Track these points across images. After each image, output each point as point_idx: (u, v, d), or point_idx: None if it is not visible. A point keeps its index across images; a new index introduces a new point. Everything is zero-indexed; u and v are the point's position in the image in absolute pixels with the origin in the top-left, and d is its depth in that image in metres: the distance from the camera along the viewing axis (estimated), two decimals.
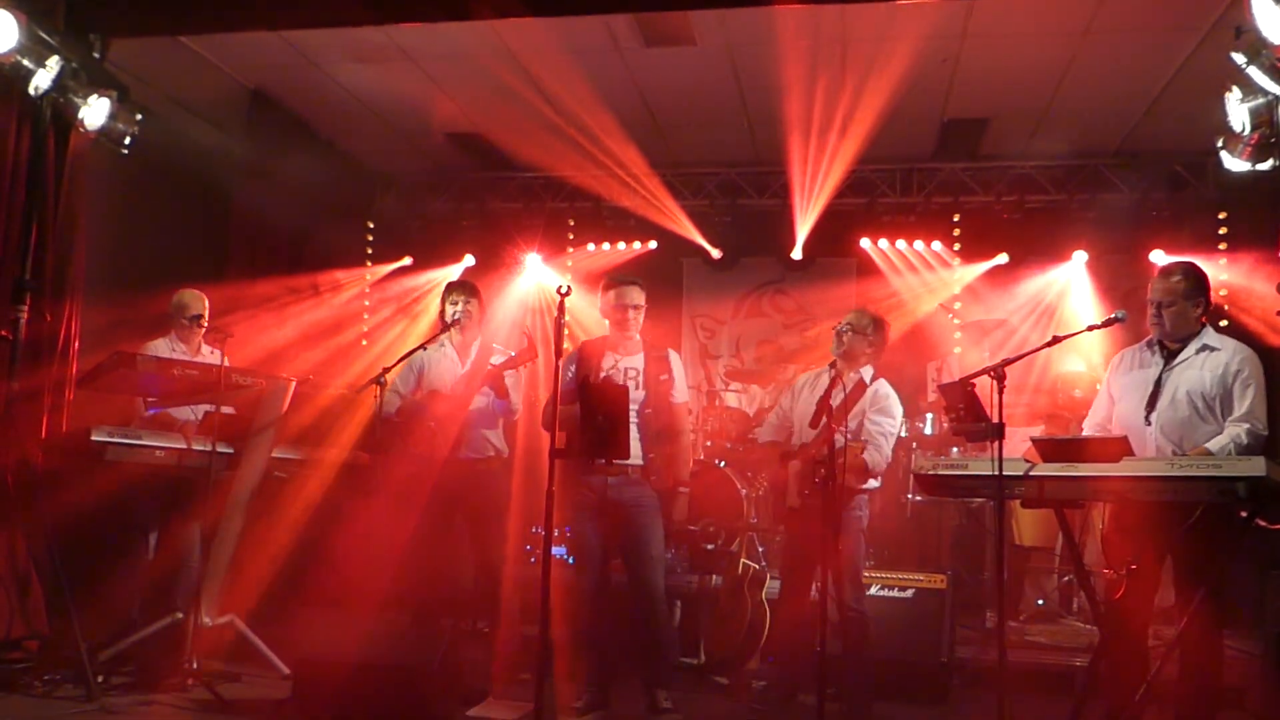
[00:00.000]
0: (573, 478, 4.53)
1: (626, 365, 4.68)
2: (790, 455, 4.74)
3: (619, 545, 4.61)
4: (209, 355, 5.46)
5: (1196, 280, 4.03)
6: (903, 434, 7.17)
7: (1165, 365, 4.03)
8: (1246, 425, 3.79)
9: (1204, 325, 4.05)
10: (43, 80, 5.00)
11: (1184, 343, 4.02)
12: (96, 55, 5.51)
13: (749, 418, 7.13)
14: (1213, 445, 3.79)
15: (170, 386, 4.95)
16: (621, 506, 4.54)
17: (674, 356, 4.78)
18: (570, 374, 4.62)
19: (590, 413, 3.82)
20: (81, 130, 5.32)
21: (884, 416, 4.60)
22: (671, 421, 4.68)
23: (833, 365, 4.83)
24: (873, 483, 4.67)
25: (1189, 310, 3.99)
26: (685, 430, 4.77)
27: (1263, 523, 4.52)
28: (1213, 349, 3.96)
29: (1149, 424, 3.97)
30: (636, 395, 4.60)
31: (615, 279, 4.77)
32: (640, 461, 4.56)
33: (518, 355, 4.96)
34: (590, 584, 4.55)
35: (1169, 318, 4.01)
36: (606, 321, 4.80)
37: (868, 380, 4.65)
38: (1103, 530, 3.99)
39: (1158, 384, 4.00)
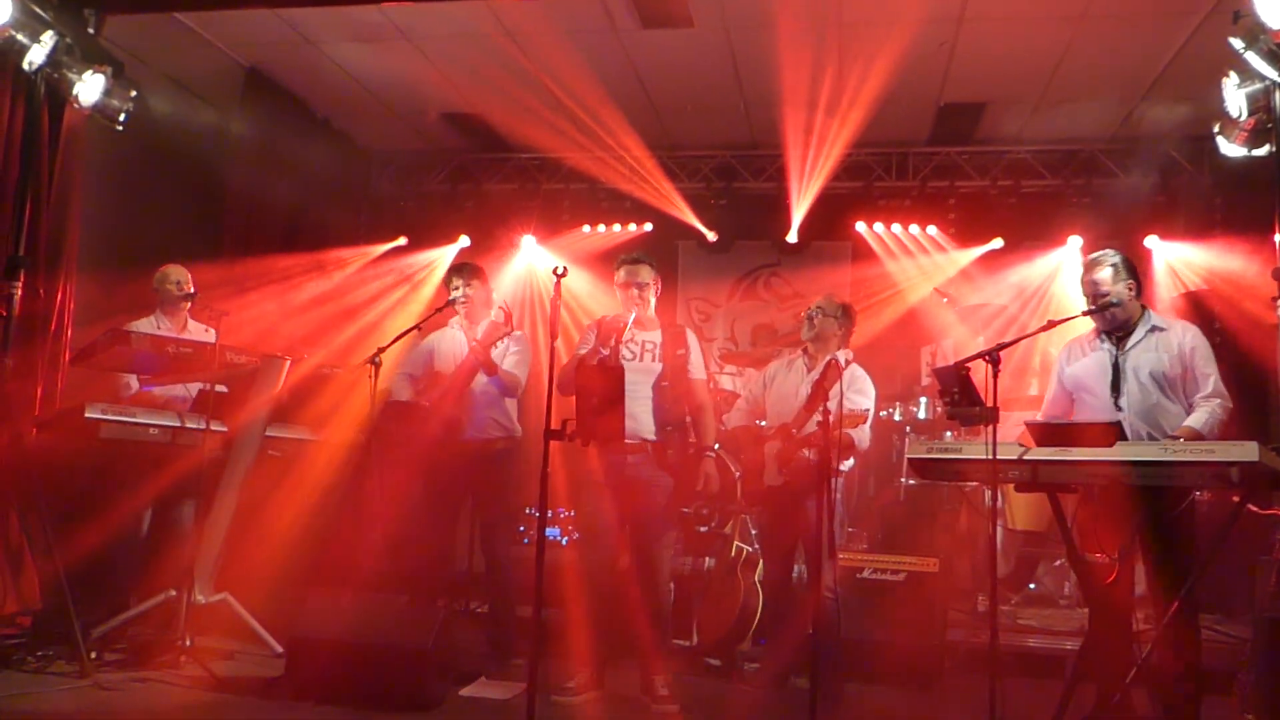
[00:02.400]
0: (587, 458, 4.55)
1: (644, 339, 4.72)
2: (767, 438, 4.83)
3: (630, 522, 4.62)
4: (194, 330, 5.45)
5: (1125, 265, 4.12)
6: (896, 418, 7.21)
7: (1119, 350, 4.09)
8: (1217, 400, 3.92)
9: (1144, 308, 4.13)
10: (37, 55, 4.97)
11: (1129, 327, 4.10)
12: (91, 31, 5.47)
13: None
14: (1197, 424, 3.87)
15: (165, 364, 4.94)
16: (638, 484, 4.55)
17: (691, 334, 4.86)
18: (590, 341, 4.68)
19: (586, 394, 3.82)
20: (76, 106, 5.29)
21: (862, 397, 4.73)
22: (691, 395, 4.75)
23: (804, 350, 4.93)
24: (848, 463, 4.77)
25: (1123, 294, 4.07)
26: (707, 403, 4.83)
27: (1254, 508, 4.56)
28: (1161, 329, 4.07)
29: (1120, 409, 4.01)
30: (654, 368, 4.65)
31: (624, 257, 4.83)
32: (654, 437, 4.58)
33: (490, 329, 4.97)
34: (599, 562, 4.56)
35: (1105, 307, 4.08)
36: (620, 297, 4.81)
37: (842, 362, 4.72)
38: (1075, 515, 4.00)
39: (1116, 369, 4.06)
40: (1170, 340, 4.03)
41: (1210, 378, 3.96)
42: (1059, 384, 4.33)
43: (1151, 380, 3.99)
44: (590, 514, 4.67)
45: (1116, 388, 4.04)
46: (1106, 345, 4.14)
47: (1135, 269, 4.16)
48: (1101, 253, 4.20)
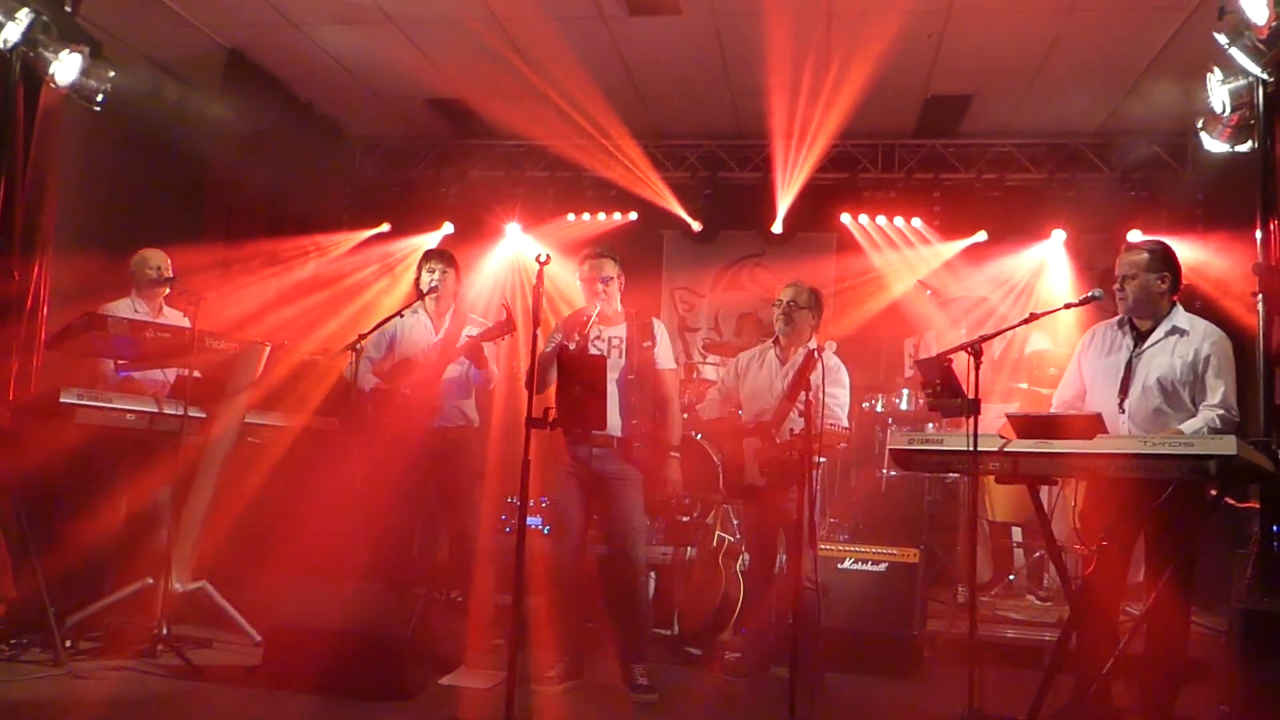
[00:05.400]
0: (557, 448, 4.55)
1: (610, 335, 4.67)
2: (747, 433, 4.83)
3: (600, 516, 4.61)
4: (170, 315, 5.40)
5: (1162, 256, 4.04)
6: (879, 409, 7.22)
7: (1135, 348, 4.03)
8: (1220, 411, 3.80)
9: (1174, 305, 4.04)
10: (12, 33, 4.89)
11: (1153, 322, 4.02)
12: (68, 10, 5.39)
13: None
14: (1185, 428, 3.81)
15: (142, 349, 4.88)
16: (604, 478, 4.53)
17: (659, 324, 4.78)
18: (553, 343, 4.65)
19: (567, 384, 3.80)
20: (52, 86, 5.21)
21: (838, 388, 4.72)
22: (658, 388, 4.69)
23: (775, 341, 4.92)
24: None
25: (1152, 284, 3.99)
26: (674, 396, 4.78)
27: (1231, 501, 4.58)
28: (1183, 332, 3.96)
29: (1122, 411, 3.98)
30: (618, 363, 4.59)
31: (589, 250, 4.79)
32: (620, 433, 4.55)
33: (495, 327, 4.94)
34: (568, 554, 4.55)
35: (1131, 290, 4.02)
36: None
37: (828, 353, 4.73)
38: (1079, 508, 4.00)
39: (1129, 368, 4.00)
40: (1188, 346, 3.91)
41: (1219, 389, 3.83)
42: (1076, 370, 4.27)
43: (1158, 385, 3.90)
44: (559, 505, 4.66)
45: (1124, 389, 3.99)
46: (1126, 339, 4.07)
47: (1174, 263, 4.05)
48: (1144, 239, 4.15)
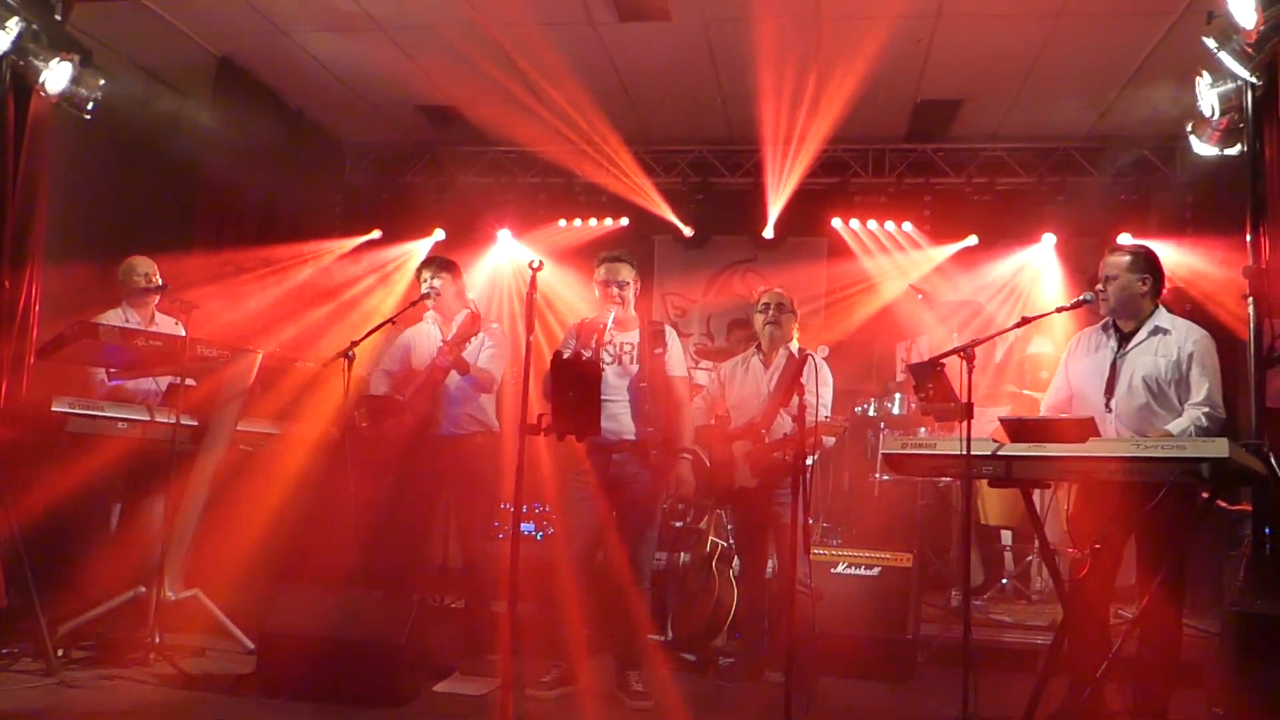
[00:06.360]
0: (576, 454, 4.53)
1: (622, 340, 4.66)
2: (736, 435, 4.84)
3: (616, 522, 4.59)
4: (162, 323, 5.38)
5: (1144, 258, 4.08)
6: (871, 413, 7.23)
7: (1119, 349, 4.07)
8: (1205, 409, 3.84)
9: (1156, 307, 4.08)
10: (1, 42, 4.87)
11: (1136, 323, 4.05)
12: (58, 18, 5.37)
13: None
14: (1173, 428, 3.84)
15: (134, 357, 4.87)
16: (623, 484, 4.53)
17: (670, 331, 4.79)
18: (570, 346, 4.64)
19: (561, 389, 3.80)
20: (42, 94, 5.19)
21: (824, 388, 4.76)
22: (670, 393, 4.68)
23: (758, 346, 4.94)
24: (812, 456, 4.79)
25: (1133, 285, 4.03)
26: (685, 400, 4.77)
27: (1223, 503, 4.60)
28: (1165, 331, 4.00)
29: (1110, 410, 4.01)
30: (631, 369, 4.60)
31: (605, 255, 4.76)
32: (634, 437, 4.55)
33: (460, 328, 4.94)
34: (578, 560, 4.53)
35: (1113, 291, 4.06)
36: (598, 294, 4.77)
37: (796, 354, 4.81)
38: (1069, 510, 4.02)
39: (1113, 369, 4.04)
40: (1171, 344, 3.95)
41: (1204, 386, 3.86)
42: (1063, 375, 4.30)
43: (1143, 384, 3.94)
44: (571, 509, 4.64)
45: (1110, 389, 4.02)
46: (1110, 341, 4.11)
47: (1156, 266, 4.08)
48: (1128, 241, 4.18)
